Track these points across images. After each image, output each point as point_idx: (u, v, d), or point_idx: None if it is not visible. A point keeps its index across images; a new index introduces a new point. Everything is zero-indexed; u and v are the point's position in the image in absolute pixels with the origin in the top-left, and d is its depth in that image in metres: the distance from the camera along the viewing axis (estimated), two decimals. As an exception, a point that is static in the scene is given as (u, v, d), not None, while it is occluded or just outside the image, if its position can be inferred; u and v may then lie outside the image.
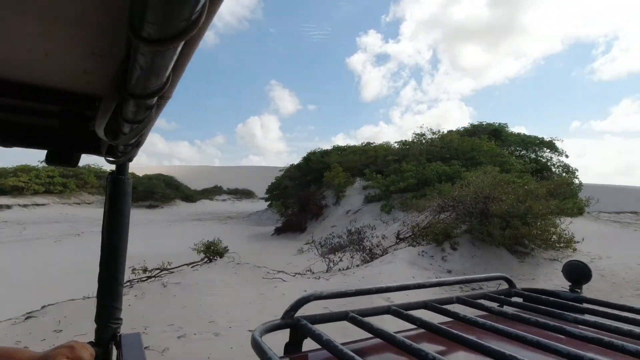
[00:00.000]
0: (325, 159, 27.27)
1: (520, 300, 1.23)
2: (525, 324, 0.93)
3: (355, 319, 0.89)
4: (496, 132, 25.77)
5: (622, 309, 1.07)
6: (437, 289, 5.52)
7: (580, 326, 0.95)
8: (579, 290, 1.27)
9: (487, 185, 9.57)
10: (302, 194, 20.91)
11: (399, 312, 0.99)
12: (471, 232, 8.62)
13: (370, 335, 0.85)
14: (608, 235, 16.19)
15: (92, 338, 1.29)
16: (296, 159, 43.61)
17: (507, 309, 1.12)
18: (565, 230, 11.87)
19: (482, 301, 1.18)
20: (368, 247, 9.43)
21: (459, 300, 1.16)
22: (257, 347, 0.72)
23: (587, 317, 1.01)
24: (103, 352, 1.24)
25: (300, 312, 0.91)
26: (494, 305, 1.13)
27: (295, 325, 0.86)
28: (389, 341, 0.77)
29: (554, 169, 27.30)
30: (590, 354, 0.64)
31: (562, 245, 10.62)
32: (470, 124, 28.05)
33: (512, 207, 8.46)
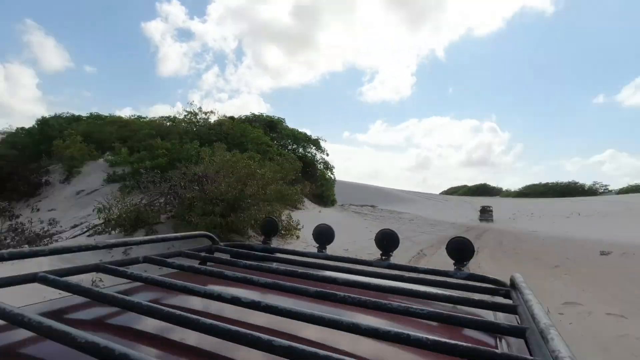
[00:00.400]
0: (75, 127, 21.37)
1: (223, 255, 1.27)
2: (222, 277, 0.91)
3: (47, 279, 0.80)
4: (272, 124, 26.32)
5: (304, 255, 1.35)
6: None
7: (270, 274, 1.02)
8: (269, 242, 1.47)
9: (217, 166, 8.36)
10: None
11: (48, 278, 0.82)
12: (175, 218, 7.05)
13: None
14: (342, 222, 18.71)
15: None
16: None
17: (209, 265, 1.17)
18: (293, 219, 12.22)
19: (177, 259, 1.11)
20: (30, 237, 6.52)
21: (147, 260, 1.08)
22: None
23: (276, 265, 1.17)
24: None
25: None
26: (193, 263, 1.14)
27: None
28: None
29: (317, 165, 30.47)
30: (268, 300, 0.68)
31: (286, 232, 10.58)
32: (252, 113, 27.88)
33: (229, 188, 7.41)
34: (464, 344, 0.53)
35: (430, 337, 0.55)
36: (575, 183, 76.06)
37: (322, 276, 0.98)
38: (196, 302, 0.86)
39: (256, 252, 1.36)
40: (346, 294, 0.74)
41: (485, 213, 34.30)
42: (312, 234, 1.46)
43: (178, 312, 0.60)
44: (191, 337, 0.66)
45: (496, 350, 0.54)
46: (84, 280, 0.97)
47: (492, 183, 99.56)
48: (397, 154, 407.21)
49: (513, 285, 0.96)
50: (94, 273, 0.94)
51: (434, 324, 0.81)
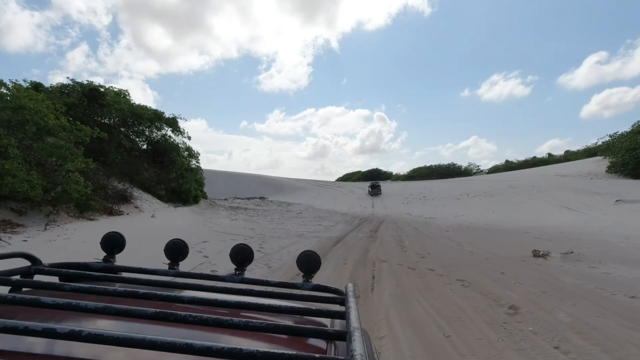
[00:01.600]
0: None
1: (48, 278, 1.09)
2: (38, 305, 0.75)
3: None
4: (94, 94, 18.44)
5: (154, 273, 1.18)
6: None
7: (105, 297, 0.90)
8: (112, 260, 1.28)
9: None
10: None
11: None
12: None
13: None
14: (185, 231, 12.82)
15: None
16: None
17: (26, 291, 1.02)
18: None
19: None
20: None
21: None
22: None
23: (118, 285, 1.06)
24: None
25: None
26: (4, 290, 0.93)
27: None
28: None
29: (178, 151, 23.45)
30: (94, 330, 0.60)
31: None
32: (72, 80, 19.36)
33: None
34: (290, 352, 0.57)
35: (262, 349, 0.57)
36: (454, 165, 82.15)
37: (165, 295, 0.87)
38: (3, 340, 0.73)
39: (93, 272, 1.12)
40: (187, 313, 0.72)
41: (375, 188, 39.99)
42: (164, 250, 1.33)
43: None
44: None
45: (315, 355, 0.58)
46: None
47: (383, 168, 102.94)
48: (295, 144, 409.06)
49: (346, 293, 1.02)
50: None
51: (278, 335, 0.84)
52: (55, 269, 1.12)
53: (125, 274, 1.18)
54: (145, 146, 23.05)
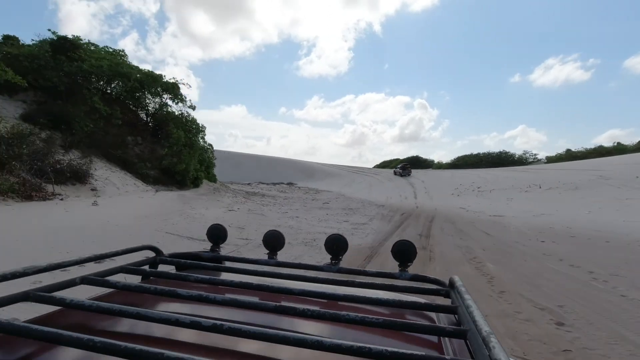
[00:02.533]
0: None
1: (169, 268, 1.21)
2: (172, 296, 0.84)
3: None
4: (63, 46, 14.62)
5: (256, 263, 1.27)
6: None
7: (222, 287, 1.02)
8: (217, 250, 1.39)
9: None
10: None
11: None
12: None
13: None
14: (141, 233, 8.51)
15: None
16: None
17: (153, 281, 1.13)
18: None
19: (117, 277, 1.04)
20: None
21: (85, 281, 0.99)
22: None
23: (225, 275, 1.17)
24: None
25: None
26: (136, 279, 1.09)
27: None
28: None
29: (184, 124, 19.49)
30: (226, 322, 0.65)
31: None
32: (53, 32, 15.71)
33: None
34: (419, 352, 0.58)
35: (390, 349, 0.57)
36: (506, 152, 73.41)
37: (277, 287, 0.94)
38: (140, 327, 0.78)
39: (204, 262, 1.28)
40: (306, 307, 0.76)
41: (405, 170, 42.50)
42: (262, 240, 1.37)
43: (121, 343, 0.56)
44: None
45: (445, 357, 0.58)
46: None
47: (423, 156, 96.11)
48: (333, 131, 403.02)
49: (452, 286, 1.02)
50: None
51: (386, 330, 0.84)
52: (174, 259, 1.26)
53: (228, 263, 1.32)
54: (145, 117, 19.33)
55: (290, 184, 41.84)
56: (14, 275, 0.87)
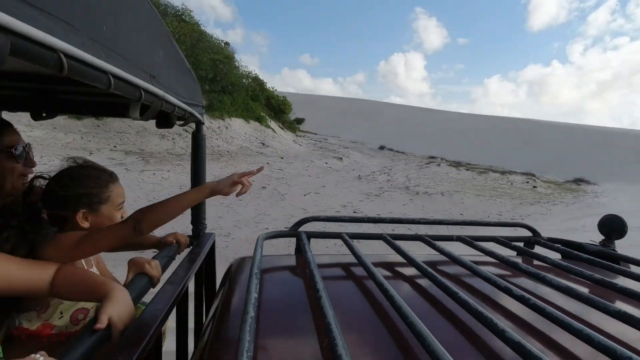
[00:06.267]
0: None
1: (545, 252, 1.11)
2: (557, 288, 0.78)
3: (346, 240, 1.05)
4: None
5: None
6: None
7: (615, 293, 0.83)
8: (610, 245, 1.20)
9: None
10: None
11: (388, 239, 1.09)
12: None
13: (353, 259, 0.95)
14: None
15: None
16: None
17: (526, 260, 1.08)
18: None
19: (489, 244, 1.11)
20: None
21: (460, 239, 1.12)
22: (255, 248, 0.91)
23: (621, 278, 0.96)
24: (196, 241, 1.64)
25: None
26: (506, 252, 1.07)
27: (297, 235, 1.11)
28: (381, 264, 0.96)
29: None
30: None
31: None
32: None
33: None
34: None
35: None
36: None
37: None
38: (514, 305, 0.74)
39: (592, 257, 1.04)
40: None
41: None
42: (598, 225, 1.24)
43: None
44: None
45: None
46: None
47: None
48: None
49: None
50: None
51: None
52: (553, 244, 1.20)
53: (625, 266, 1.05)
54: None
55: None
56: (411, 221, 1.18)
